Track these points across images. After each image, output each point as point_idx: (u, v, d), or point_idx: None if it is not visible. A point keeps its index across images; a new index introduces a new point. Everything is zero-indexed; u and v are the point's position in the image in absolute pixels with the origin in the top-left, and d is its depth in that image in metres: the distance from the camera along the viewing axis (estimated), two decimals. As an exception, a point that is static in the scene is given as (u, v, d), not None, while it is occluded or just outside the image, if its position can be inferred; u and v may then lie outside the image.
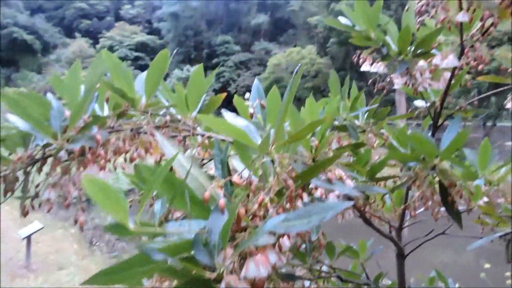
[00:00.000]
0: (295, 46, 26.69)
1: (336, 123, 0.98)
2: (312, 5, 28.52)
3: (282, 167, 0.45)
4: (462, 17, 0.75)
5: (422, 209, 0.96)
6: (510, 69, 0.96)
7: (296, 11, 30.77)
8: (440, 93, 0.96)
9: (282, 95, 0.49)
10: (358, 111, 0.96)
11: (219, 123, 0.44)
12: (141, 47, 31.81)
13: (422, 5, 0.77)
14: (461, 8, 0.77)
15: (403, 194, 1.06)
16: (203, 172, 0.41)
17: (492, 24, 0.75)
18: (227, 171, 0.46)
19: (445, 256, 5.46)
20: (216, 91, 26.89)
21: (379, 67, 0.95)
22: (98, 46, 30.38)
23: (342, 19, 0.93)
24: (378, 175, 0.89)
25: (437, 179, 0.83)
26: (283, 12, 32.27)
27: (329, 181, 0.49)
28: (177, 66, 25.82)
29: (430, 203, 0.83)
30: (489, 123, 14.98)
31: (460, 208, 0.92)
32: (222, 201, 0.38)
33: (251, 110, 0.57)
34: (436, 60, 0.82)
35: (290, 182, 0.42)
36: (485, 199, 1.23)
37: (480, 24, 0.81)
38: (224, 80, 29.38)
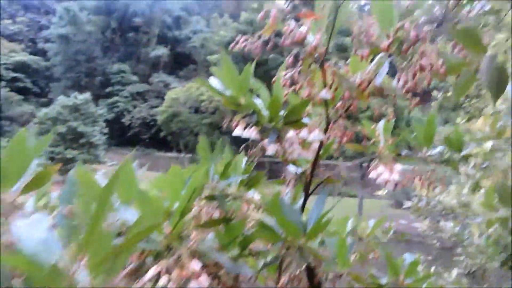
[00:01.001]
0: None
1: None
2: (213, 43, 29.40)
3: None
4: (325, 94, 0.75)
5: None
6: (372, 141, 1.01)
7: (197, 47, 31.29)
8: (310, 162, 0.95)
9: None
10: (230, 179, 0.89)
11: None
12: (22, 67, 28.37)
13: (287, 79, 0.75)
14: (325, 85, 0.77)
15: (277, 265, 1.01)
16: None
17: (351, 105, 0.76)
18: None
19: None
20: (109, 122, 25.10)
21: (251, 133, 0.90)
22: (-37, 62, 26.17)
23: (214, 81, 0.87)
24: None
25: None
26: (184, 47, 32.50)
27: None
28: (64, 92, 23.42)
29: (297, 282, 0.79)
30: (365, 164, 16.96)
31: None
32: None
33: (49, 222, 0.43)
34: (303, 134, 0.81)
35: None
36: (357, 254, 1.27)
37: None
38: (118, 111, 27.70)
